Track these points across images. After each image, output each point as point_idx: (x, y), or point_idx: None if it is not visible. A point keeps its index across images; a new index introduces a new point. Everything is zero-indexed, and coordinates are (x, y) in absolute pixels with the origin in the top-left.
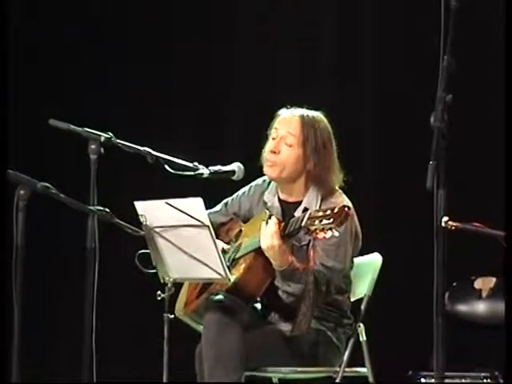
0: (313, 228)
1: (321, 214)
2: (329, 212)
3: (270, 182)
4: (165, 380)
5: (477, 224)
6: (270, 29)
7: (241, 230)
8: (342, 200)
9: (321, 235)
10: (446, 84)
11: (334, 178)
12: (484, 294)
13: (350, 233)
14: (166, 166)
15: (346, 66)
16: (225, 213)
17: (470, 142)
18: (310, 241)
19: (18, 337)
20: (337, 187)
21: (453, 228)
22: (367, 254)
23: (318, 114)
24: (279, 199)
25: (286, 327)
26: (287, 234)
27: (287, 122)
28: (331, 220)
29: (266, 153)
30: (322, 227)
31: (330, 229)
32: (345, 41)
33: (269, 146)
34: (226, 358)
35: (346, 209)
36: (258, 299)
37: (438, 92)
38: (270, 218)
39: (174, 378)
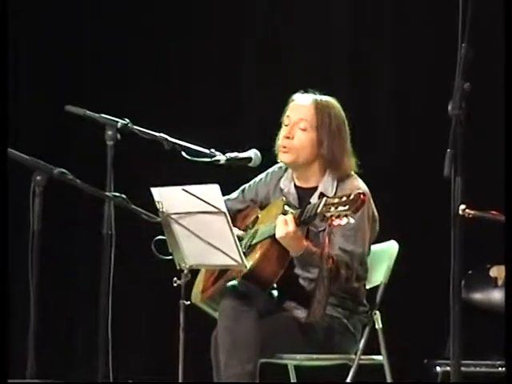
0: (328, 215)
1: (336, 200)
2: (344, 199)
3: (286, 169)
4: (180, 367)
5: (494, 212)
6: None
7: (257, 217)
8: (358, 184)
9: (336, 222)
10: (464, 72)
11: (348, 162)
12: (499, 282)
13: (366, 217)
14: (183, 153)
15: (362, 54)
16: (242, 200)
17: (487, 129)
18: (326, 227)
19: (34, 323)
20: (352, 172)
21: (470, 216)
22: (383, 241)
23: (331, 99)
24: (295, 186)
25: (301, 314)
26: (303, 221)
27: (299, 108)
28: (347, 207)
29: (280, 139)
30: (337, 214)
31: (346, 216)
32: (360, 29)
33: (282, 132)
34: (240, 347)
35: (362, 195)
36: (274, 286)
37: (455, 80)
38: (286, 204)
39: (189, 365)
